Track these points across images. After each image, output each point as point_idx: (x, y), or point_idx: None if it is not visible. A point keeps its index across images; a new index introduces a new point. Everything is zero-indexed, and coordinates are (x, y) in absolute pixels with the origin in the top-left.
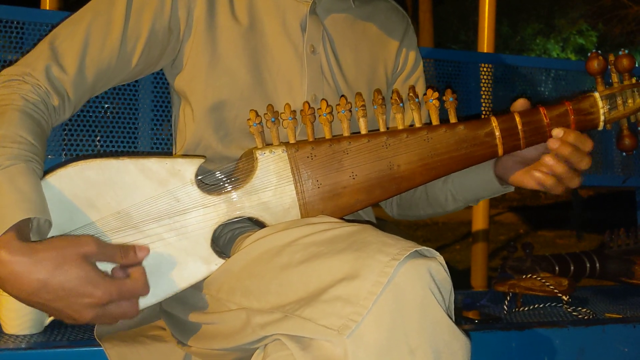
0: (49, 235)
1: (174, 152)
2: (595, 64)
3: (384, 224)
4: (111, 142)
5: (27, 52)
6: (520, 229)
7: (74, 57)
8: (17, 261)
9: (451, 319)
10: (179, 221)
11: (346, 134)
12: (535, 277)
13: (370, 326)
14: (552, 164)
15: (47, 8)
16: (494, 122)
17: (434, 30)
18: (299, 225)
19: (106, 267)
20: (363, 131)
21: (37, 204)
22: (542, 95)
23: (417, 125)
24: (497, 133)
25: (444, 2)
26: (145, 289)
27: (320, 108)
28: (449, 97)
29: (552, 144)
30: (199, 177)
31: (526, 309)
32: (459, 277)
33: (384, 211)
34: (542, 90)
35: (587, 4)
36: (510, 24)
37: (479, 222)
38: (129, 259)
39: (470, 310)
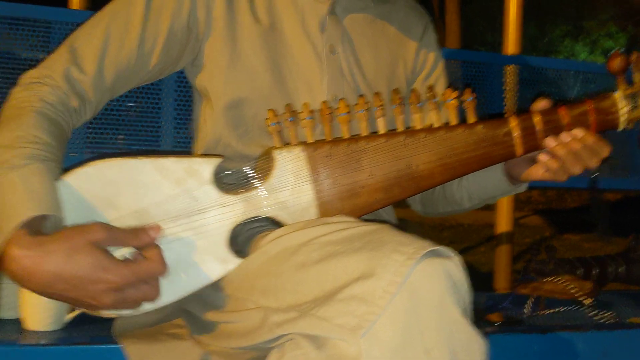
0: None
1: (194, 151)
2: (616, 63)
3: (407, 225)
4: (134, 140)
5: (54, 51)
6: (546, 231)
7: (93, 59)
8: (27, 255)
9: (468, 319)
10: (196, 220)
11: (364, 133)
12: (558, 280)
13: (385, 326)
14: (552, 145)
15: (75, 7)
16: (513, 121)
17: (460, 32)
18: (316, 224)
19: (124, 253)
20: (381, 131)
21: (47, 202)
22: (569, 98)
23: (436, 125)
24: (516, 133)
25: (471, 3)
26: (162, 268)
27: (338, 108)
28: (467, 96)
29: (564, 136)
30: (217, 176)
31: (548, 312)
32: (483, 279)
33: (408, 211)
34: (568, 92)
35: (616, 6)
36: (537, 25)
37: (503, 224)
38: (141, 240)
39: (493, 312)
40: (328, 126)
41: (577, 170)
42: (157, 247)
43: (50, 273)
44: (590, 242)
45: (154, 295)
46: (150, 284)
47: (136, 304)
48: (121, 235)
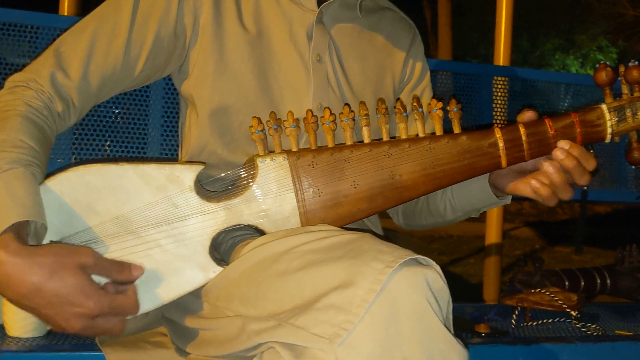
0: (48, 238)
1: (179, 158)
2: (603, 75)
3: (396, 236)
4: (121, 146)
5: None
6: (536, 244)
7: (79, 63)
8: (14, 262)
9: (448, 328)
10: (177, 227)
11: (349, 142)
12: (544, 292)
13: (363, 334)
14: (551, 172)
15: (65, 13)
16: (498, 133)
17: (453, 44)
18: (297, 233)
19: (100, 280)
20: (366, 140)
21: (30, 208)
22: (559, 110)
23: (421, 135)
24: (501, 144)
25: (463, 15)
26: (135, 308)
27: (323, 116)
28: (452, 107)
29: (558, 154)
30: (200, 184)
31: (534, 323)
32: (473, 290)
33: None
34: (558, 104)
35: (607, 20)
36: (529, 38)
37: (492, 235)
38: (123, 275)
39: (479, 323)
40: (312, 135)
41: (567, 195)
42: (134, 285)
43: (33, 284)
44: (581, 254)
45: (118, 330)
46: (118, 318)
47: (100, 334)
48: (107, 265)
